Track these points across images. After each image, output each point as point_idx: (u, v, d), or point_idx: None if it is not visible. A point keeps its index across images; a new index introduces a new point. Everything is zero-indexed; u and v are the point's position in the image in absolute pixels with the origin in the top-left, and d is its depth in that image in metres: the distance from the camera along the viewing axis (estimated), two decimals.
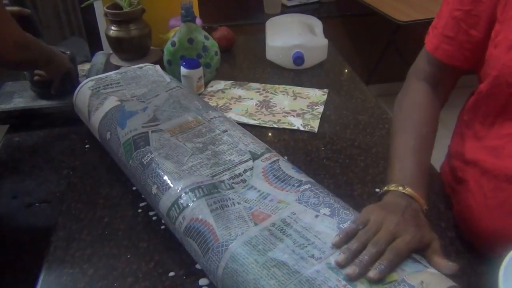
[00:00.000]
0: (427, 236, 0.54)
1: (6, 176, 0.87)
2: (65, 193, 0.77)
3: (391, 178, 0.62)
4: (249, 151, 0.70)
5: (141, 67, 0.97)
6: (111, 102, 0.82)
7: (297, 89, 1.09)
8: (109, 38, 1.20)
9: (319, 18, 1.39)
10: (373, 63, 2.58)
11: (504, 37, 0.59)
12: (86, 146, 0.89)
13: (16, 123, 1.00)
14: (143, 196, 0.72)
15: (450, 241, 0.66)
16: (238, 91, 1.08)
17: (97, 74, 0.98)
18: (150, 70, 0.96)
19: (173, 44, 1.07)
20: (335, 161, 0.83)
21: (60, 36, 2.33)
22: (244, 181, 0.64)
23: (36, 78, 1.00)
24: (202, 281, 0.59)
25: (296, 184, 0.63)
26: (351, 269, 0.49)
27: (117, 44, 1.21)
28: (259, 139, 0.75)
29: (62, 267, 0.62)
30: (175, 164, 0.67)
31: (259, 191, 0.62)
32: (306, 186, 0.63)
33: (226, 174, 0.65)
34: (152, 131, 0.74)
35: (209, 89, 1.10)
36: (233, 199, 0.61)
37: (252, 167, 0.67)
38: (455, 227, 0.68)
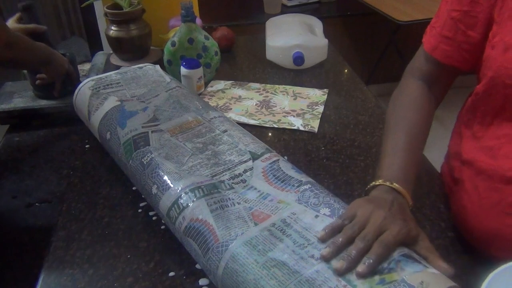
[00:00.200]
0: (414, 231, 0.54)
1: (6, 176, 0.87)
2: (65, 193, 0.77)
3: (379, 173, 0.63)
4: (249, 151, 0.70)
5: (141, 67, 0.97)
6: (111, 102, 0.82)
7: (297, 89, 1.09)
8: (109, 38, 1.20)
9: (319, 18, 1.39)
10: (373, 63, 2.58)
11: (500, 38, 0.59)
12: (86, 146, 0.89)
13: (16, 123, 1.00)
14: (143, 196, 0.72)
15: (450, 241, 0.66)
16: (238, 91, 1.08)
17: (97, 74, 0.98)
18: (150, 70, 0.96)
19: (173, 44, 1.07)
20: (335, 161, 0.83)
21: (60, 36, 2.33)
22: (244, 181, 0.64)
23: (38, 82, 1.01)
24: (202, 281, 0.59)
25: (296, 184, 0.63)
26: (339, 264, 0.49)
27: (117, 44, 1.21)
28: (259, 139, 0.75)
29: (62, 267, 0.62)
30: (175, 164, 0.67)
31: (259, 191, 0.62)
32: (306, 186, 0.63)
33: (226, 174, 0.65)
34: (152, 131, 0.74)
35: (209, 89, 1.10)
36: (233, 199, 0.61)
37: (252, 167, 0.67)
38: (455, 227, 0.68)
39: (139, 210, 0.72)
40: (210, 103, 0.99)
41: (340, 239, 0.52)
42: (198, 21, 1.27)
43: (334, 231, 0.54)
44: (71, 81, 1.02)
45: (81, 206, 0.73)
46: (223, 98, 1.05)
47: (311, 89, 1.09)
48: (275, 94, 1.07)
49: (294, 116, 0.97)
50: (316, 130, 0.92)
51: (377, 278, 0.48)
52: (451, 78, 0.73)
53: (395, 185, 0.59)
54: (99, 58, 1.25)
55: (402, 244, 0.53)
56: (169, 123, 0.77)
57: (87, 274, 0.61)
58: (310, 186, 0.63)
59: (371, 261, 0.49)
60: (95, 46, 1.72)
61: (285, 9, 2.33)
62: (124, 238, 0.67)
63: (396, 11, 2.03)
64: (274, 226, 0.56)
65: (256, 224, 0.56)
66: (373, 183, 0.62)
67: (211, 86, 1.11)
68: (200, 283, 0.59)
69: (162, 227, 0.68)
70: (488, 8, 0.62)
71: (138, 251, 0.64)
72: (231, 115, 0.97)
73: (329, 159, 0.84)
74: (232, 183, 0.64)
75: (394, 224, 0.53)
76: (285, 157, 0.80)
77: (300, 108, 1.01)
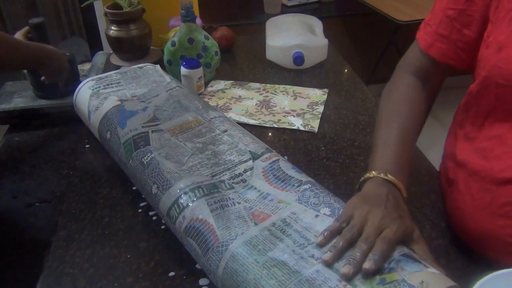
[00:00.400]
0: (410, 227, 0.55)
1: (6, 176, 0.87)
2: (65, 193, 0.77)
3: (372, 165, 0.63)
4: (249, 151, 0.70)
5: (141, 67, 0.97)
6: (111, 102, 0.82)
7: (297, 89, 1.09)
8: (109, 38, 1.20)
9: (319, 18, 1.39)
10: (373, 63, 2.58)
11: (494, 38, 0.59)
12: (86, 146, 0.89)
13: (16, 123, 1.00)
14: (143, 196, 0.72)
15: (450, 241, 0.66)
16: (238, 91, 1.08)
17: (97, 74, 0.98)
18: (150, 70, 0.96)
19: (173, 44, 1.07)
20: (335, 161, 0.83)
21: (60, 36, 2.33)
22: (244, 181, 0.64)
23: (42, 79, 1.00)
24: (202, 281, 0.59)
25: (296, 184, 0.63)
26: (346, 269, 0.49)
27: (117, 44, 1.21)
28: (259, 139, 0.75)
29: (62, 267, 0.62)
30: (175, 164, 0.67)
31: (259, 191, 0.62)
32: (306, 186, 0.63)
33: (226, 174, 0.65)
34: (152, 131, 0.74)
35: (209, 89, 1.10)
36: (233, 199, 0.61)
37: (252, 167, 0.67)
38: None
39: (139, 210, 0.72)
40: (210, 103, 0.99)
41: (341, 243, 0.51)
42: (198, 21, 1.27)
43: (333, 234, 0.53)
44: (72, 80, 1.02)
45: (81, 206, 0.73)
46: (223, 98, 1.05)
47: (311, 89, 1.09)
48: (275, 94, 1.07)
49: (294, 116, 0.97)
50: (316, 130, 0.92)
51: (377, 278, 0.48)
52: (445, 74, 0.74)
53: (389, 176, 0.59)
54: (99, 58, 1.25)
55: (401, 241, 0.53)
56: (169, 123, 0.77)
57: (87, 274, 0.61)
58: (310, 186, 0.63)
59: (377, 257, 0.49)
60: (95, 46, 1.72)
61: (285, 9, 2.33)
62: (124, 238, 0.67)
63: (396, 11, 2.02)
64: (274, 226, 0.56)
65: (256, 224, 0.56)
66: (367, 175, 0.61)
67: (211, 86, 1.11)
68: (200, 283, 0.59)
69: (162, 227, 0.68)
70: (484, 7, 0.62)
71: (138, 251, 0.64)
72: (231, 115, 0.97)
73: (329, 159, 0.84)
74: (232, 183, 0.64)
75: (393, 222, 0.53)
76: (285, 157, 0.80)
77: (300, 108, 1.01)
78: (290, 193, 0.62)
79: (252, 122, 0.95)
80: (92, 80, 0.90)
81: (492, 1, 0.61)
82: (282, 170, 0.66)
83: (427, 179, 0.78)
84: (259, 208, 0.59)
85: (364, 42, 2.55)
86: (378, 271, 0.49)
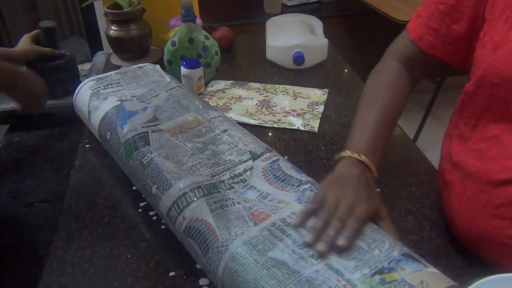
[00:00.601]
0: (379, 206, 0.59)
1: (6, 176, 0.87)
2: (65, 193, 0.77)
3: (348, 145, 0.67)
4: (249, 151, 0.70)
5: (141, 67, 0.97)
6: (111, 102, 0.82)
7: (297, 89, 1.09)
8: (109, 38, 1.20)
9: (319, 18, 1.39)
10: (373, 63, 2.57)
11: (490, 37, 0.59)
12: (86, 146, 0.89)
13: (16, 123, 1.00)
14: (143, 196, 0.72)
15: (450, 241, 0.66)
16: (238, 91, 1.08)
17: (97, 74, 0.98)
18: (150, 70, 0.96)
19: (173, 44, 1.07)
20: None
21: (60, 36, 2.32)
22: (244, 181, 0.64)
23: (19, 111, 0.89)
24: (202, 281, 0.59)
25: (296, 184, 0.63)
26: (321, 247, 0.52)
27: (117, 44, 1.21)
28: (259, 139, 0.75)
29: (62, 267, 0.62)
30: (175, 164, 0.67)
31: (259, 191, 0.62)
32: (306, 186, 0.63)
33: (226, 174, 0.65)
34: (152, 131, 0.74)
35: (209, 89, 1.10)
36: (233, 199, 0.61)
37: (252, 167, 0.67)
38: None
39: (139, 210, 0.72)
40: (210, 103, 0.99)
41: (319, 224, 0.55)
42: (198, 21, 1.27)
43: (308, 216, 0.57)
44: (72, 80, 1.02)
45: (81, 206, 0.73)
46: (223, 98, 1.05)
47: (311, 89, 1.09)
48: (275, 94, 1.07)
49: (294, 116, 0.97)
50: (316, 130, 0.92)
51: (377, 278, 0.48)
52: (432, 65, 0.75)
53: (362, 157, 0.63)
54: (99, 58, 1.25)
55: (372, 218, 0.57)
56: (169, 123, 0.77)
57: (87, 273, 0.61)
58: (310, 185, 0.63)
59: (350, 234, 0.53)
60: (95, 46, 1.72)
61: (285, 9, 2.33)
62: (124, 238, 0.67)
63: (396, 11, 2.02)
64: (274, 225, 0.56)
65: (256, 224, 0.56)
66: (342, 154, 0.65)
67: (211, 86, 1.11)
68: (200, 283, 0.59)
69: (162, 227, 0.68)
70: (474, 4, 0.63)
71: (138, 251, 0.64)
72: (231, 115, 0.97)
73: (329, 159, 0.84)
74: (232, 182, 0.64)
75: (364, 202, 0.57)
76: (285, 157, 0.80)
77: (300, 108, 1.01)
78: (290, 193, 0.62)
79: (252, 122, 0.95)
80: (92, 80, 0.90)
81: (487, 0, 0.61)
82: (282, 170, 0.66)
83: (427, 179, 0.78)
84: (259, 208, 0.59)
85: (364, 42, 2.55)
86: (374, 272, 0.49)
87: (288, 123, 0.95)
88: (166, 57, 1.09)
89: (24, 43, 1.00)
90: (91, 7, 1.67)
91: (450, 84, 2.20)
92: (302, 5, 2.40)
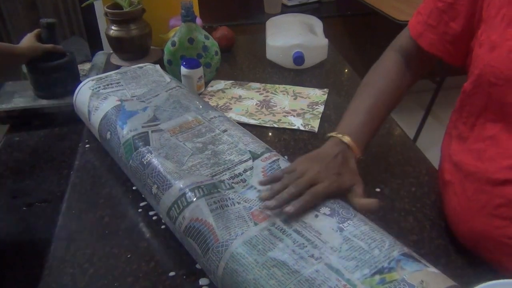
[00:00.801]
0: (348, 182, 0.61)
1: (6, 176, 0.87)
2: (65, 193, 0.77)
3: (337, 127, 0.70)
4: (249, 150, 0.70)
5: (141, 67, 0.97)
6: (111, 102, 0.82)
7: (297, 88, 1.09)
8: (109, 38, 1.20)
9: (319, 18, 1.39)
10: (373, 63, 2.58)
11: (487, 36, 0.59)
12: (86, 146, 0.89)
13: (16, 123, 1.00)
14: (143, 196, 0.72)
15: (450, 241, 0.66)
16: (238, 91, 1.08)
17: (97, 74, 0.98)
18: (150, 70, 0.96)
19: (173, 44, 1.07)
20: None
21: (60, 36, 2.32)
22: (244, 180, 0.64)
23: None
24: (202, 281, 0.59)
25: None
26: (270, 202, 0.57)
27: (117, 44, 1.21)
28: (259, 139, 0.75)
29: (62, 267, 0.62)
30: (175, 164, 0.67)
31: (259, 190, 0.62)
32: None
33: (226, 174, 0.65)
34: (152, 131, 0.74)
35: (209, 89, 1.10)
36: (233, 198, 0.61)
37: (252, 166, 0.67)
38: None
39: (139, 210, 0.72)
40: (210, 103, 0.99)
41: (278, 186, 0.59)
42: (198, 20, 1.27)
43: (273, 179, 0.62)
44: (72, 80, 1.02)
45: (81, 206, 0.73)
46: (223, 98, 1.05)
47: (311, 89, 1.09)
48: (275, 94, 1.07)
49: (294, 116, 0.97)
50: (316, 130, 0.92)
51: (377, 277, 0.48)
52: (431, 63, 0.76)
53: (346, 138, 0.66)
54: (99, 58, 1.25)
55: (332, 195, 0.60)
56: (169, 123, 0.77)
57: (87, 273, 0.61)
58: None
59: (298, 205, 0.56)
60: (95, 46, 1.73)
61: (285, 9, 2.33)
62: (124, 238, 0.67)
63: (396, 11, 2.02)
64: (274, 225, 0.56)
65: (256, 224, 0.56)
66: (329, 134, 0.69)
67: (211, 86, 1.11)
68: (200, 283, 0.59)
69: (162, 227, 0.68)
70: (470, 2, 0.63)
71: (138, 251, 0.64)
72: (231, 115, 0.97)
73: None
74: (232, 182, 0.64)
75: (327, 178, 0.60)
76: (285, 157, 0.80)
77: (300, 108, 1.01)
78: None
79: (252, 122, 0.95)
80: (92, 80, 0.90)
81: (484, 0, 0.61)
82: None
83: (427, 179, 0.78)
84: (259, 208, 0.59)
85: (364, 42, 2.55)
86: (374, 272, 0.49)
87: (288, 123, 0.95)
88: (166, 57, 1.09)
89: (28, 40, 1.00)
90: (91, 7, 1.68)
91: (450, 84, 2.20)
92: (302, 5, 2.40)
